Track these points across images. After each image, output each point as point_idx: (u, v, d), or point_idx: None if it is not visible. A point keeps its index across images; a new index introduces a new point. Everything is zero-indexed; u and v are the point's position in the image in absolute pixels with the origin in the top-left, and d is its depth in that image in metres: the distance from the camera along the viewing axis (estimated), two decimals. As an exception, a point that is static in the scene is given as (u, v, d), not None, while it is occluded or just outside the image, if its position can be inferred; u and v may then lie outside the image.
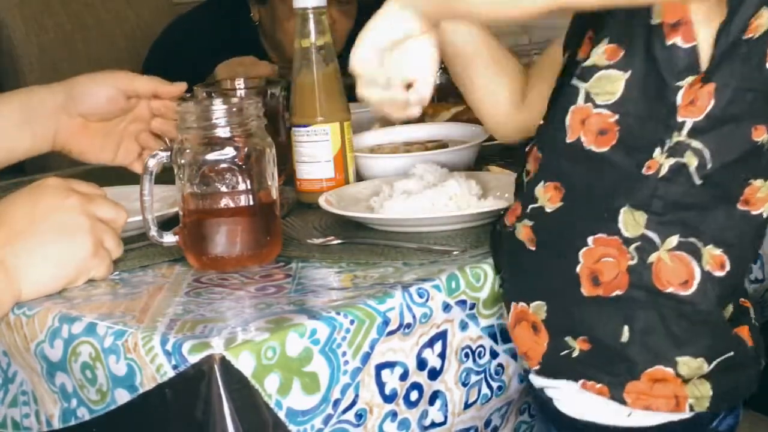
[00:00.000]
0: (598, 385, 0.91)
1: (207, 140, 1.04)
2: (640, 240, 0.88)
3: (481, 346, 1.00)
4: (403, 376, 0.94)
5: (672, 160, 0.87)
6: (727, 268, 0.89)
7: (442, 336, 0.97)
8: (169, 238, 1.08)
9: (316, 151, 1.27)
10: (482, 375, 1.00)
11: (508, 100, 1.14)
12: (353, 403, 0.90)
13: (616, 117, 0.88)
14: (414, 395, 0.95)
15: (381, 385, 0.92)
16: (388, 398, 0.93)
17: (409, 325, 0.94)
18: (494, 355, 1.01)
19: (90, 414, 0.93)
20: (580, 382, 0.92)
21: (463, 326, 0.98)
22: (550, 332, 0.93)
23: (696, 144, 0.87)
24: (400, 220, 1.13)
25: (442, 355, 0.97)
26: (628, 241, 0.89)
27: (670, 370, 0.89)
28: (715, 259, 0.89)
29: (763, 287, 1.26)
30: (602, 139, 0.89)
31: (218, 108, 1.05)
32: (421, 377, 0.95)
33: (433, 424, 0.97)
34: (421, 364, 0.95)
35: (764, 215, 0.90)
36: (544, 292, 0.94)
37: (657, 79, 0.86)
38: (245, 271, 1.04)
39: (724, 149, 0.87)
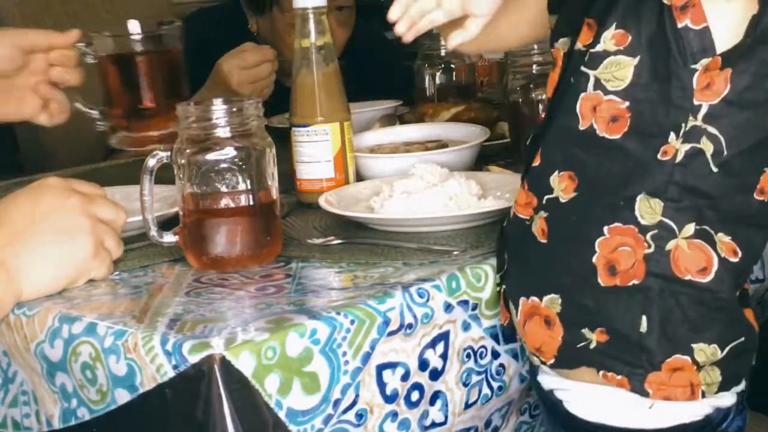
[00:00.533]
0: (618, 377, 0.90)
1: (207, 140, 1.04)
2: (657, 228, 0.88)
3: (483, 346, 1.00)
4: (405, 377, 0.94)
5: (688, 146, 0.87)
6: (740, 254, 0.89)
7: (444, 337, 0.96)
8: (169, 238, 1.08)
9: (316, 151, 1.27)
10: (483, 375, 1.00)
11: None
12: (353, 403, 0.90)
13: (627, 103, 0.87)
14: (415, 395, 0.95)
15: (382, 385, 0.92)
16: (389, 398, 0.93)
17: (410, 326, 0.94)
18: (495, 355, 1.01)
19: (90, 414, 0.93)
20: (601, 373, 0.91)
21: (466, 327, 0.98)
22: (565, 325, 0.92)
23: (712, 130, 0.86)
24: (400, 220, 1.13)
25: (444, 356, 0.97)
26: (644, 230, 0.88)
27: (687, 358, 0.89)
28: (727, 246, 0.89)
29: (764, 287, 1.26)
30: (614, 126, 0.88)
31: (218, 108, 1.05)
32: (423, 378, 0.95)
33: (434, 424, 0.97)
34: (423, 364, 0.95)
35: (766, 200, 0.90)
36: (558, 284, 0.92)
37: (669, 62, 0.86)
38: (245, 271, 1.04)
39: (740, 136, 0.86)
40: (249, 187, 1.05)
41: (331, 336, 0.89)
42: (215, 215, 1.05)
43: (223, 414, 0.84)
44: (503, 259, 0.99)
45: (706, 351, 0.89)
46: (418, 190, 1.16)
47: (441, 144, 1.39)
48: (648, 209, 0.88)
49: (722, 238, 0.88)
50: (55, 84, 1.33)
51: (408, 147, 1.39)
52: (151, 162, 1.06)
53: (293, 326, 0.87)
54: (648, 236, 0.88)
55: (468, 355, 0.99)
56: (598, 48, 0.88)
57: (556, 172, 0.92)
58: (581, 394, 0.93)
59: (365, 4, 2.29)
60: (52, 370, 0.95)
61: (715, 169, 0.87)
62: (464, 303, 0.98)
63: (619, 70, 0.88)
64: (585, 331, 0.91)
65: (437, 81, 1.79)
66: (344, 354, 0.89)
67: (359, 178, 1.32)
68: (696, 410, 0.92)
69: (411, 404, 0.95)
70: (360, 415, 0.91)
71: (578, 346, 0.91)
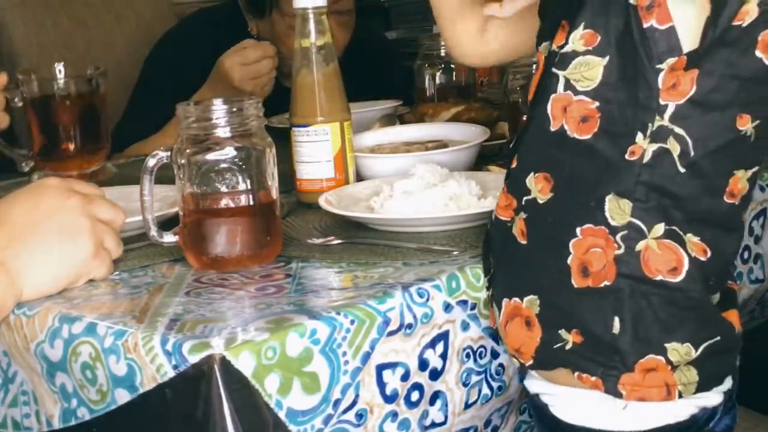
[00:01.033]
0: (593, 378, 0.90)
1: (207, 140, 1.04)
2: (627, 229, 0.88)
3: (483, 346, 1.00)
4: (405, 377, 0.94)
5: (655, 146, 0.86)
6: (709, 254, 0.89)
7: (444, 336, 0.97)
8: (169, 238, 1.08)
9: (316, 151, 1.27)
10: (483, 375, 1.00)
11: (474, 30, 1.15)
12: (353, 403, 0.90)
13: (597, 104, 0.87)
14: (415, 395, 0.95)
15: (382, 385, 0.92)
16: (389, 398, 0.93)
17: (410, 326, 0.94)
18: (495, 355, 1.01)
19: (90, 414, 0.93)
20: (576, 374, 0.91)
21: (465, 327, 0.98)
22: (543, 326, 0.92)
23: (679, 130, 0.86)
24: (400, 220, 1.13)
25: (444, 356, 0.97)
26: (614, 230, 0.88)
27: (660, 358, 0.89)
28: (696, 246, 0.88)
29: (764, 287, 1.26)
30: (585, 126, 0.88)
31: (218, 108, 1.05)
32: (423, 378, 0.95)
33: (434, 424, 0.97)
34: (423, 364, 0.95)
35: (736, 203, 0.89)
36: (537, 285, 0.93)
37: (636, 62, 0.85)
38: (245, 271, 1.04)
39: (707, 137, 0.86)
40: (249, 187, 1.05)
41: (331, 336, 0.89)
42: (215, 215, 1.05)
43: (223, 414, 0.84)
44: (489, 263, 0.99)
45: (679, 350, 0.89)
46: (418, 190, 1.16)
47: (441, 144, 1.39)
48: (617, 210, 0.88)
49: (691, 238, 0.88)
50: None
51: (408, 147, 1.39)
52: (151, 162, 1.06)
53: (293, 326, 0.87)
54: (618, 237, 0.88)
55: (467, 355, 0.99)
56: (567, 48, 0.89)
57: (532, 174, 0.92)
58: (565, 397, 0.94)
59: (365, 4, 2.30)
60: (52, 370, 0.95)
61: (682, 170, 0.87)
62: (463, 303, 0.98)
63: (588, 71, 0.88)
64: (562, 332, 0.91)
65: (437, 81, 1.79)
66: (344, 354, 0.89)
67: (359, 178, 1.32)
68: (681, 410, 0.92)
69: (411, 404, 0.95)
70: (360, 415, 0.91)
71: (555, 347, 0.92)
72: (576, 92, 0.88)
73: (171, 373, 0.85)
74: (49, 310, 0.97)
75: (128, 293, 1.01)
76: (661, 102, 0.85)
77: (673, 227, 0.87)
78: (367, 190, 1.25)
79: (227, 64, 1.82)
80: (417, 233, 1.12)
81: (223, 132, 1.04)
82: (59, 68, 1.49)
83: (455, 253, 1.04)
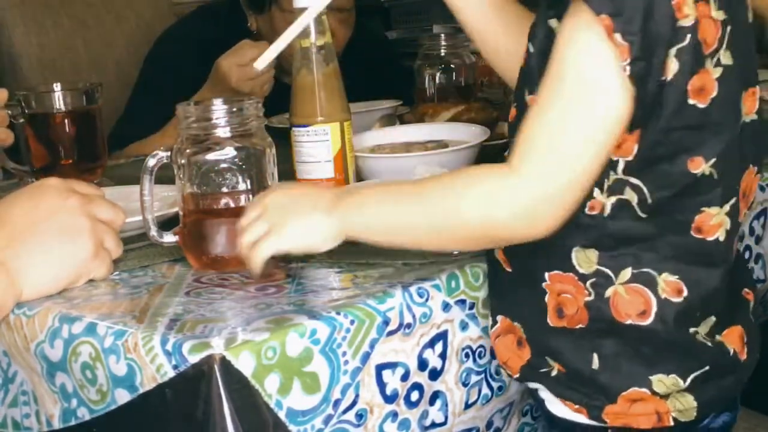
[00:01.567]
0: (576, 406, 0.92)
1: (207, 140, 1.04)
2: (595, 276, 0.89)
3: (482, 346, 1.00)
4: (405, 377, 0.94)
5: (613, 198, 0.87)
6: (685, 293, 0.89)
7: (442, 336, 0.97)
8: (169, 238, 1.08)
9: (316, 151, 1.26)
10: (483, 375, 1.00)
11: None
12: (354, 403, 0.90)
13: None
14: (415, 395, 0.95)
15: (382, 385, 0.92)
16: (389, 398, 0.93)
17: (409, 325, 0.94)
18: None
19: (90, 414, 0.93)
20: (559, 399, 0.93)
21: (463, 326, 0.98)
22: (532, 350, 0.94)
23: (634, 180, 0.87)
24: (400, 220, 1.12)
25: (443, 356, 0.97)
26: (583, 278, 0.89)
27: (645, 390, 0.90)
28: (671, 285, 0.89)
29: (764, 287, 1.26)
30: None
31: (218, 108, 1.05)
32: (422, 377, 0.95)
33: (434, 425, 0.97)
34: (422, 364, 0.95)
35: (720, 239, 0.90)
36: (521, 315, 0.95)
37: None
38: (245, 271, 1.04)
39: (662, 185, 0.87)
40: (249, 187, 1.05)
41: (331, 336, 0.89)
42: (215, 215, 1.05)
43: (223, 414, 0.84)
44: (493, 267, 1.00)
45: (665, 381, 0.89)
46: (418, 190, 1.16)
47: (441, 144, 1.39)
48: (585, 259, 0.89)
49: (666, 278, 0.88)
50: None
51: (408, 147, 1.39)
52: (151, 162, 1.06)
53: (293, 326, 0.87)
54: (587, 284, 0.89)
55: (467, 355, 0.99)
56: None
57: None
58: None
59: (365, 4, 2.29)
60: (52, 370, 0.95)
61: (644, 215, 0.87)
62: (461, 302, 0.98)
63: None
64: (548, 359, 0.93)
65: (437, 81, 1.78)
66: (344, 354, 0.89)
67: (359, 178, 1.32)
68: None
69: (411, 404, 0.95)
70: (360, 415, 0.91)
71: (541, 370, 0.94)
72: None
73: (171, 373, 0.85)
74: (49, 310, 0.97)
75: (128, 293, 1.01)
76: (613, 158, 0.86)
77: (644, 269, 0.88)
78: (367, 190, 1.24)
79: (224, 65, 1.82)
80: (417, 233, 1.11)
81: (223, 132, 1.04)
82: (56, 86, 1.52)
83: (455, 253, 1.03)
